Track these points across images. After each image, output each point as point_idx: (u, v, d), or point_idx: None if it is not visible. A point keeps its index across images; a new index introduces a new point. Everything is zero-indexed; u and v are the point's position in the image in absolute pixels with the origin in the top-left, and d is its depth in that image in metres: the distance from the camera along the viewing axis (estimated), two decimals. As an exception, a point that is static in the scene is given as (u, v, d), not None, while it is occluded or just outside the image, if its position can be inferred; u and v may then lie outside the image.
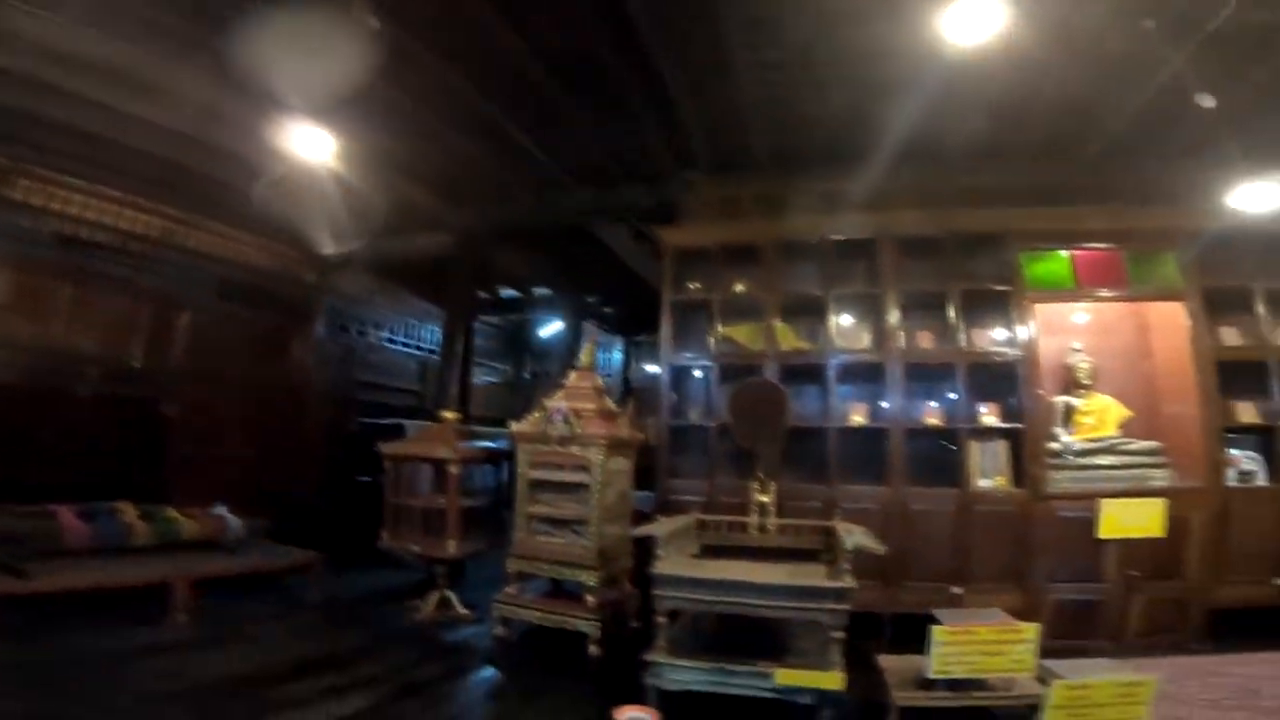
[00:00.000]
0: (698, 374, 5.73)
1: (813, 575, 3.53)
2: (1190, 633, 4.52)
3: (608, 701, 3.16)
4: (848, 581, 3.23)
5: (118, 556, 4.73)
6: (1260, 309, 4.91)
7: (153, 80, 4.79)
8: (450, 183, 6.68)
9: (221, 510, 5.46)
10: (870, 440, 5.07)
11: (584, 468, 4.42)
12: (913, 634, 3.39)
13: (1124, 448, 4.83)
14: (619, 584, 4.65)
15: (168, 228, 6.33)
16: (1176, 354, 4.96)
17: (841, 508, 4.55)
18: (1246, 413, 4.87)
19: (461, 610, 5.09)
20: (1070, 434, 4.98)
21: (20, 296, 5.34)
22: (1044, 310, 5.10)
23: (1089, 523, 4.57)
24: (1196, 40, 3.75)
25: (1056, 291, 5.15)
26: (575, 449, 4.44)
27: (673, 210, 6.12)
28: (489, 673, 4.17)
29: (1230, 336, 5.01)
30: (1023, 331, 4.98)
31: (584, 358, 5.04)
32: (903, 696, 3.17)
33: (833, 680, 3.15)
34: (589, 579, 4.29)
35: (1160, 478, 4.71)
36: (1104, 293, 5.09)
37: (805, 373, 5.31)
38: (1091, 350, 5.22)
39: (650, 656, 3.37)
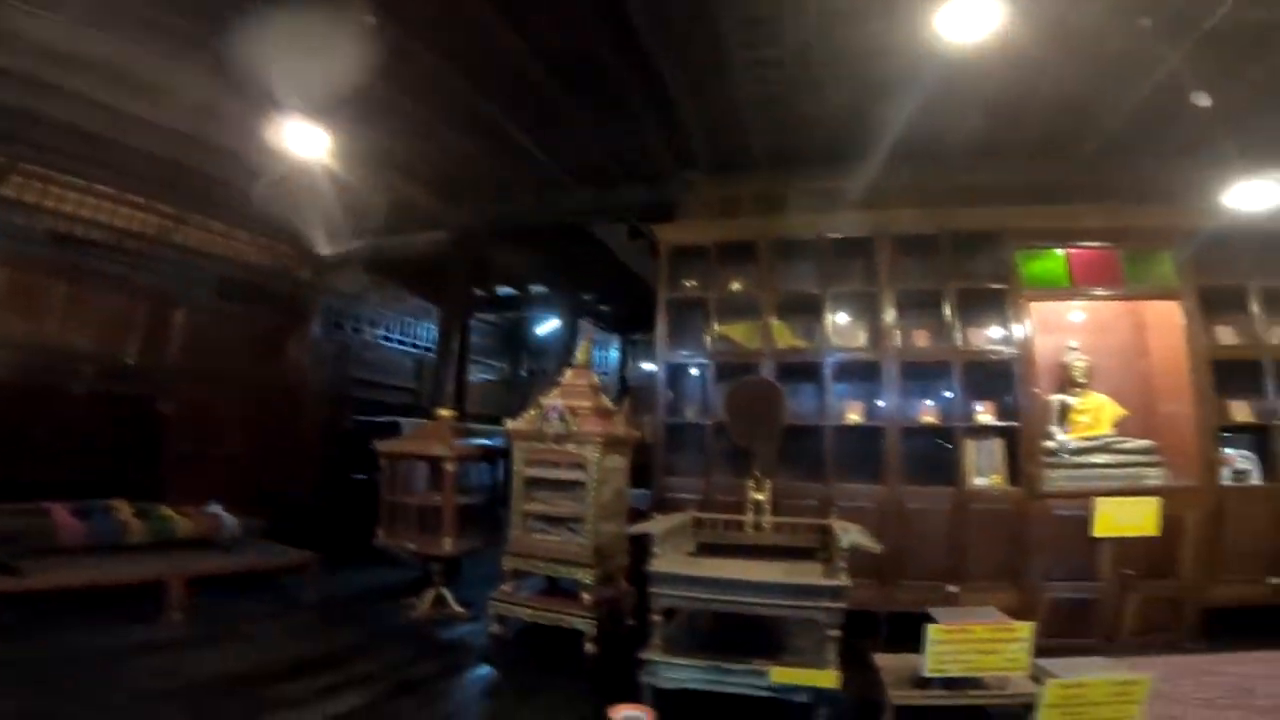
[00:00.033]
0: (694, 372, 5.72)
1: (809, 574, 3.53)
2: (1185, 631, 4.53)
3: (603, 700, 3.15)
4: (843, 580, 3.23)
5: (112, 554, 4.73)
6: (1255, 308, 4.91)
7: (149, 78, 4.78)
8: (448, 181, 6.66)
9: (216, 508, 5.45)
10: (866, 438, 5.08)
11: (580, 465, 4.41)
12: (908, 632, 3.38)
13: (1119, 446, 4.84)
14: (615, 582, 4.65)
15: (164, 225, 6.31)
16: (1172, 353, 4.96)
17: (837, 506, 4.55)
18: (1241, 412, 4.88)
19: (457, 608, 5.09)
20: (1066, 432, 4.99)
21: (14, 294, 5.33)
22: (1040, 309, 5.10)
23: (1084, 521, 4.58)
24: (1193, 39, 3.74)
25: (1052, 290, 5.16)
26: (571, 447, 4.43)
27: (671, 209, 6.11)
28: (484, 671, 4.17)
29: (1225, 335, 5.01)
30: (1019, 330, 4.98)
31: (580, 355, 5.05)
32: (898, 695, 3.18)
33: (828, 679, 3.14)
34: (585, 577, 4.28)
35: (1155, 476, 4.72)
36: (1100, 291, 5.09)
37: (801, 371, 5.31)
38: (1087, 349, 5.22)
39: (646, 655, 3.37)
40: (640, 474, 5.23)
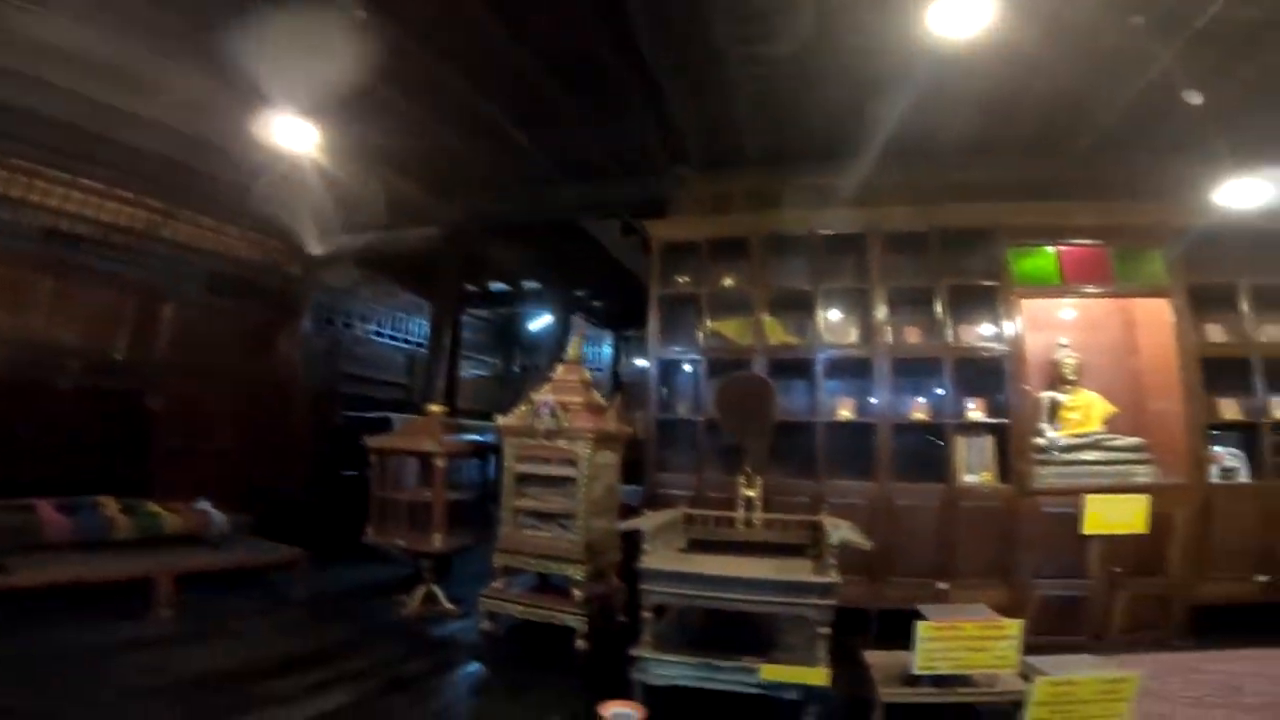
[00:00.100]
0: (686, 368, 5.72)
1: (799, 570, 3.53)
2: (1173, 629, 4.55)
3: (594, 696, 3.15)
4: (833, 577, 3.23)
5: (99, 551, 4.71)
6: (1244, 306, 4.93)
7: (139, 73, 4.74)
8: (440, 177, 6.63)
9: (205, 505, 5.43)
10: (857, 435, 5.08)
11: (571, 461, 4.41)
12: (898, 629, 3.39)
13: (1109, 444, 4.86)
14: (606, 578, 4.65)
15: (152, 220, 6.26)
16: (1162, 350, 4.98)
17: (828, 502, 4.57)
18: (1230, 409, 4.90)
19: (448, 605, 5.08)
20: (1056, 429, 5.00)
21: (0, 289, 5.27)
22: (1031, 306, 5.10)
23: (1073, 518, 4.59)
24: (1185, 36, 3.76)
25: (1043, 287, 5.16)
26: (562, 442, 4.43)
27: (664, 205, 6.09)
28: (475, 668, 4.16)
29: (1215, 333, 5.03)
30: (1009, 327, 4.99)
31: (571, 351, 5.03)
32: (888, 692, 3.18)
33: (818, 676, 3.15)
34: (576, 573, 4.28)
35: (1144, 474, 4.74)
36: (1090, 289, 5.11)
37: (793, 367, 5.31)
38: (1077, 346, 5.24)
39: (637, 651, 3.36)
40: (632, 470, 5.23)
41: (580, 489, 4.37)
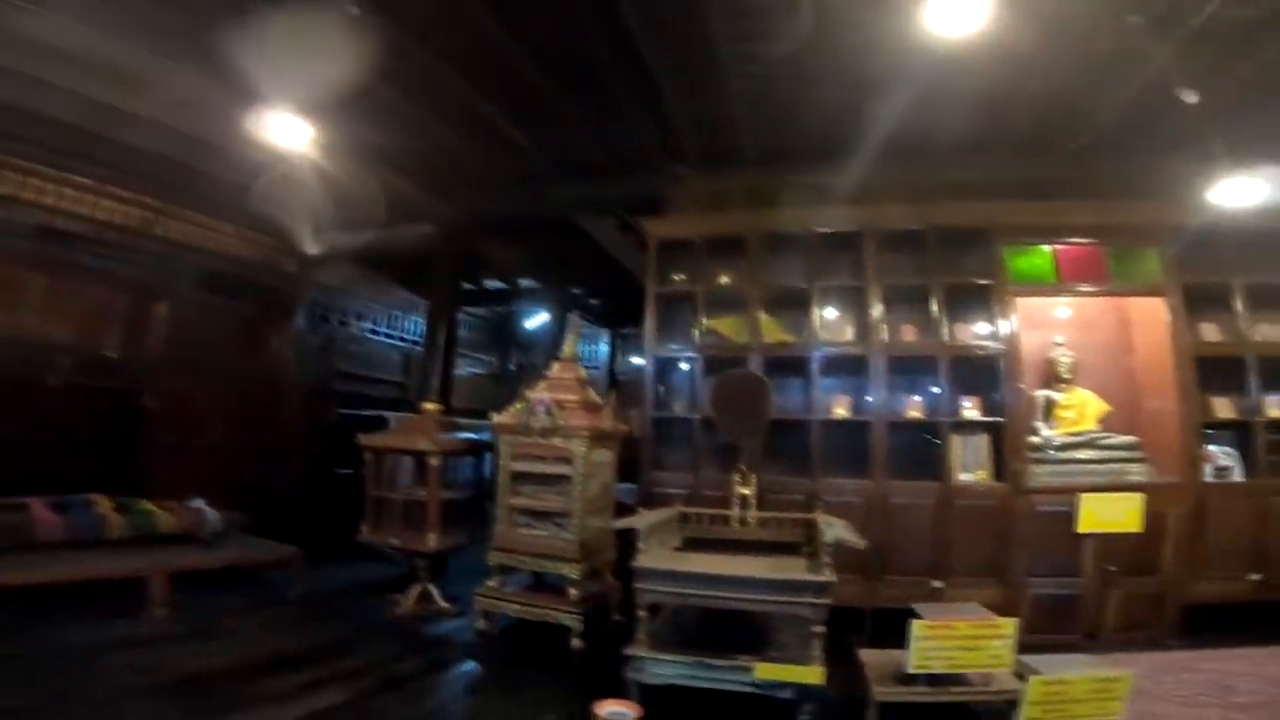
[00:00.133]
0: (682, 366, 5.71)
1: (793, 569, 3.53)
2: (1166, 628, 4.56)
3: (589, 695, 3.15)
4: (828, 575, 3.23)
5: (92, 549, 4.68)
6: (1239, 305, 4.94)
7: (134, 72, 4.72)
8: (438, 176, 6.62)
9: (199, 503, 5.40)
10: (853, 433, 5.08)
11: (566, 460, 4.40)
12: (893, 628, 3.39)
13: (1103, 442, 4.87)
14: (601, 577, 4.64)
15: (146, 218, 6.21)
16: (1156, 349, 4.99)
17: (824, 501, 4.56)
18: (1224, 408, 4.92)
19: (443, 604, 5.06)
20: (1051, 428, 5.01)
21: (-10, 286, 5.25)
22: (1026, 304, 5.10)
23: (1068, 517, 4.60)
24: (1182, 35, 3.76)
25: (1038, 286, 5.17)
26: (557, 441, 4.42)
27: (660, 204, 6.09)
28: (470, 666, 4.15)
29: (1209, 332, 5.04)
30: (1005, 326, 4.99)
31: (567, 349, 5.02)
32: (882, 691, 3.18)
33: (813, 675, 3.15)
34: (571, 572, 4.28)
35: (1138, 473, 4.75)
36: (1086, 287, 5.12)
37: (789, 365, 5.31)
38: (1073, 345, 5.25)
39: (631, 650, 3.36)
40: (628, 468, 5.22)
41: (575, 487, 4.36)
